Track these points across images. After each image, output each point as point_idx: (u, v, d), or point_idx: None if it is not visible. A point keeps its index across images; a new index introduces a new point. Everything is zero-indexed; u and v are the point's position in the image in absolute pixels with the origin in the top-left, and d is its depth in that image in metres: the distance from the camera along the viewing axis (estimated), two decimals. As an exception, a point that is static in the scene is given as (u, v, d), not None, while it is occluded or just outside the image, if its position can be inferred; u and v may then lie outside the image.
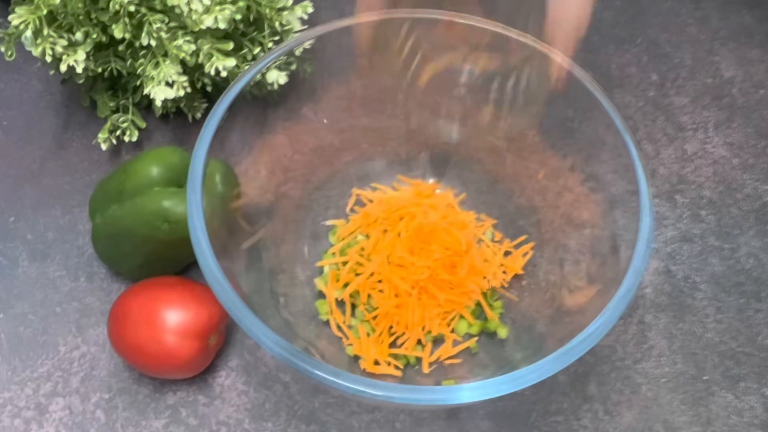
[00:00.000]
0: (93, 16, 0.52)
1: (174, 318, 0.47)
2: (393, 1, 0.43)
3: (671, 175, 0.62)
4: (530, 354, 0.48)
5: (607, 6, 0.72)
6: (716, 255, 0.58)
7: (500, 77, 0.45)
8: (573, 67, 0.48)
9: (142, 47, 0.53)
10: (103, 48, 0.55)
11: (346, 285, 0.51)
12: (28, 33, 0.50)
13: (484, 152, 0.56)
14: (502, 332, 0.51)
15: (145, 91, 0.54)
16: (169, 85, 0.53)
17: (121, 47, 0.54)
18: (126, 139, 0.58)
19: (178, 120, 0.62)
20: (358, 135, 0.56)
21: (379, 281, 0.51)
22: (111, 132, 0.58)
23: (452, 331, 0.51)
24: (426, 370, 0.50)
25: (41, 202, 0.58)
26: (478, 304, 0.52)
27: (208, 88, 0.59)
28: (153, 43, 0.52)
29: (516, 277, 0.54)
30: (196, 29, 0.52)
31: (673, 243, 0.59)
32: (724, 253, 0.58)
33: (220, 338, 0.50)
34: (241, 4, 0.53)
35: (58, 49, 0.51)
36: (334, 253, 0.53)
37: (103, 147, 0.58)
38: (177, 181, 0.50)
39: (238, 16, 0.53)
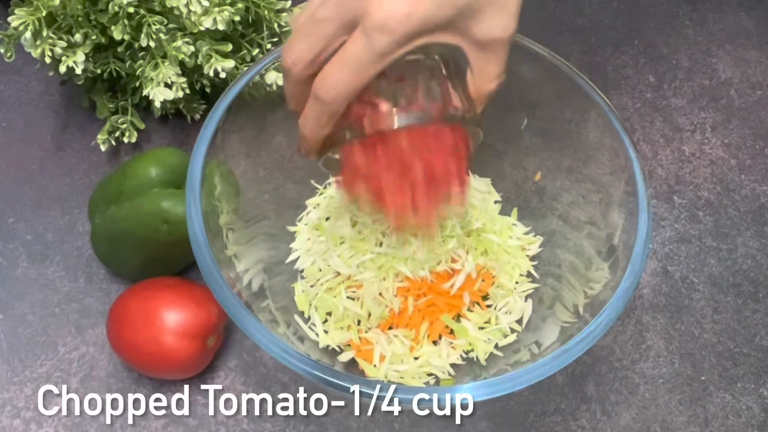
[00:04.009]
0: (92, 17, 0.52)
1: (173, 318, 0.47)
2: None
3: (669, 176, 0.62)
4: (528, 355, 0.48)
5: (605, 8, 0.72)
6: (714, 256, 0.58)
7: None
8: (569, 67, 0.48)
9: (141, 48, 0.53)
10: (103, 49, 0.55)
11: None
12: (28, 34, 0.50)
13: (481, 154, 0.56)
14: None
15: (144, 93, 0.54)
16: (168, 86, 0.54)
17: (120, 48, 0.54)
18: (125, 140, 0.58)
19: (177, 121, 0.62)
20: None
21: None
22: (110, 133, 0.58)
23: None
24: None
25: (40, 203, 0.58)
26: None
27: (207, 90, 0.59)
28: (152, 44, 0.52)
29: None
30: (195, 31, 0.52)
31: (671, 244, 0.59)
32: (722, 254, 0.58)
33: (218, 339, 0.51)
34: (239, 5, 0.53)
35: (58, 50, 0.51)
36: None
37: (103, 148, 0.58)
38: (176, 182, 0.50)
39: (237, 18, 0.53)
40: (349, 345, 0.50)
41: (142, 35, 0.52)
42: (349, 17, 0.35)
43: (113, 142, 0.58)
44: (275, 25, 0.56)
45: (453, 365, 0.50)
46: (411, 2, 0.34)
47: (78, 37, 0.52)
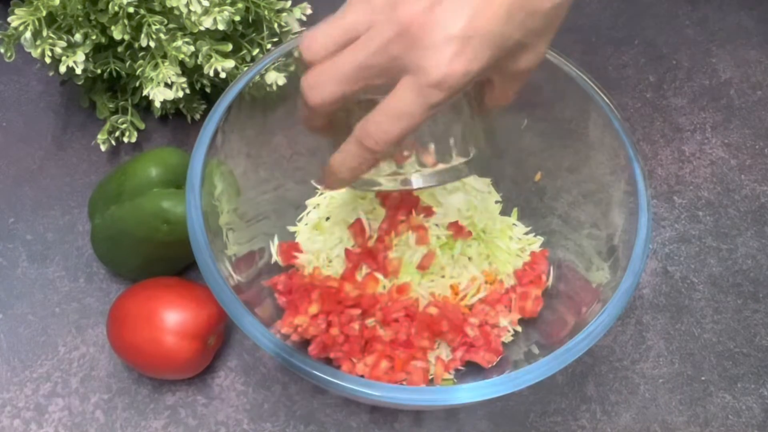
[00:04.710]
0: (92, 17, 0.52)
1: (173, 318, 0.47)
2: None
3: (669, 176, 0.62)
4: (528, 355, 0.48)
5: (605, 7, 0.72)
6: (714, 256, 0.58)
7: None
8: (570, 67, 0.48)
9: (141, 48, 0.53)
10: (103, 49, 0.55)
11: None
12: (28, 34, 0.50)
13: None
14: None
15: (145, 93, 0.54)
16: (168, 86, 0.54)
17: (120, 48, 0.54)
18: (125, 140, 0.58)
19: (177, 121, 0.62)
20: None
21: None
22: (110, 133, 0.58)
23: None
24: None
25: (41, 203, 0.58)
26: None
27: (207, 90, 0.59)
28: (152, 44, 0.52)
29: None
30: (195, 30, 0.52)
31: (671, 244, 0.59)
32: (722, 254, 0.58)
33: (218, 339, 0.51)
34: (239, 5, 0.53)
35: (58, 50, 0.51)
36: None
37: (103, 148, 0.58)
38: (176, 182, 0.50)
39: (237, 18, 0.53)
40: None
41: (142, 35, 0.52)
42: (398, 68, 0.35)
43: (113, 142, 0.58)
44: (275, 25, 0.56)
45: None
46: (467, 59, 0.34)
47: (78, 37, 0.52)
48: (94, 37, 0.53)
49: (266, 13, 0.56)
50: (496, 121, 0.44)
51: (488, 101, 0.41)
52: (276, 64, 0.48)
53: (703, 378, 0.53)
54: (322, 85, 0.37)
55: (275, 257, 0.52)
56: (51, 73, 0.57)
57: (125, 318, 0.48)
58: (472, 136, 0.43)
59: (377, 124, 0.36)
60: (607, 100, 0.47)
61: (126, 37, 0.52)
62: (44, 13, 0.50)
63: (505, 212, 0.56)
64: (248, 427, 0.50)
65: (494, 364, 0.49)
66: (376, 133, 0.36)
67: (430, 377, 0.48)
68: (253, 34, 0.57)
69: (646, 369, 0.53)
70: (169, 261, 0.53)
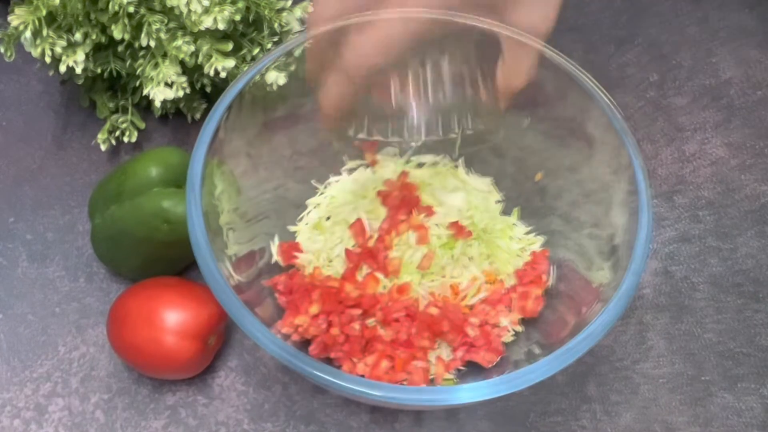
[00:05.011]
0: (92, 16, 0.52)
1: (173, 318, 0.47)
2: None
3: (670, 176, 0.62)
4: (529, 355, 0.48)
5: (607, 6, 0.72)
6: (715, 255, 0.58)
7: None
8: (572, 66, 0.48)
9: (141, 48, 0.53)
10: (103, 49, 0.55)
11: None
12: (28, 34, 0.50)
13: (483, 153, 0.56)
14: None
15: (145, 92, 0.54)
16: (169, 85, 0.53)
17: (120, 48, 0.54)
18: (125, 139, 0.58)
19: (178, 120, 0.62)
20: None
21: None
22: (110, 132, 0.58)
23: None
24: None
25: (41, 203, 0.58)
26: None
27: (208, 89, 0.59)
28: (152, 43, 0.52)
29: (515, 277, 0.54)
30: (196, 30, 0.52)
31: (672, 243, 0.59)
32: (723, 254, 0.58)
33: (219, 339, 0.50)
34: (240, 4, 0.53)
35: (58, 49, 0.51)
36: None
37: (103, 147, 0.58)
38: (176, 181, 0.50)
39: (238, 17, 0.53)
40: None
41: (143, 34, 0.52)
42: None
43: (113, 142, 0.58)
44: (276, 24, 0.56)
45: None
46: None
47: (78, 36, 0.52)
48: (94, 37, 0.53)
49: (267, 12, 0.56)
50: (502, 119, 0.44)
51: (500, 81, 0.40)
52: (276, 64, 0.48)
53: (704, 378, 0.53)
54: (321, 5, 0.40)
55: (275, 257, 0.52)
56: (51, 73, 0.57)
57: (125, 318, 0.48)
58: (476, 116, 0.42)
59: (357, 48, 0.38)
60: (609, 100, 0.46)
61: (126, 37, 0.52)
62: (44, 13, 0.50)
63: (505, 212, 0.56)
64: (248, 427, 0.50)
65: (495, 364, 0.49)
66: (355, 58, 0.38)
67: (431, 377, 0.48)
68: (254, 34, 0.57)
69: (647, 369, 0.53)
70: (169, 261, 0.53)
